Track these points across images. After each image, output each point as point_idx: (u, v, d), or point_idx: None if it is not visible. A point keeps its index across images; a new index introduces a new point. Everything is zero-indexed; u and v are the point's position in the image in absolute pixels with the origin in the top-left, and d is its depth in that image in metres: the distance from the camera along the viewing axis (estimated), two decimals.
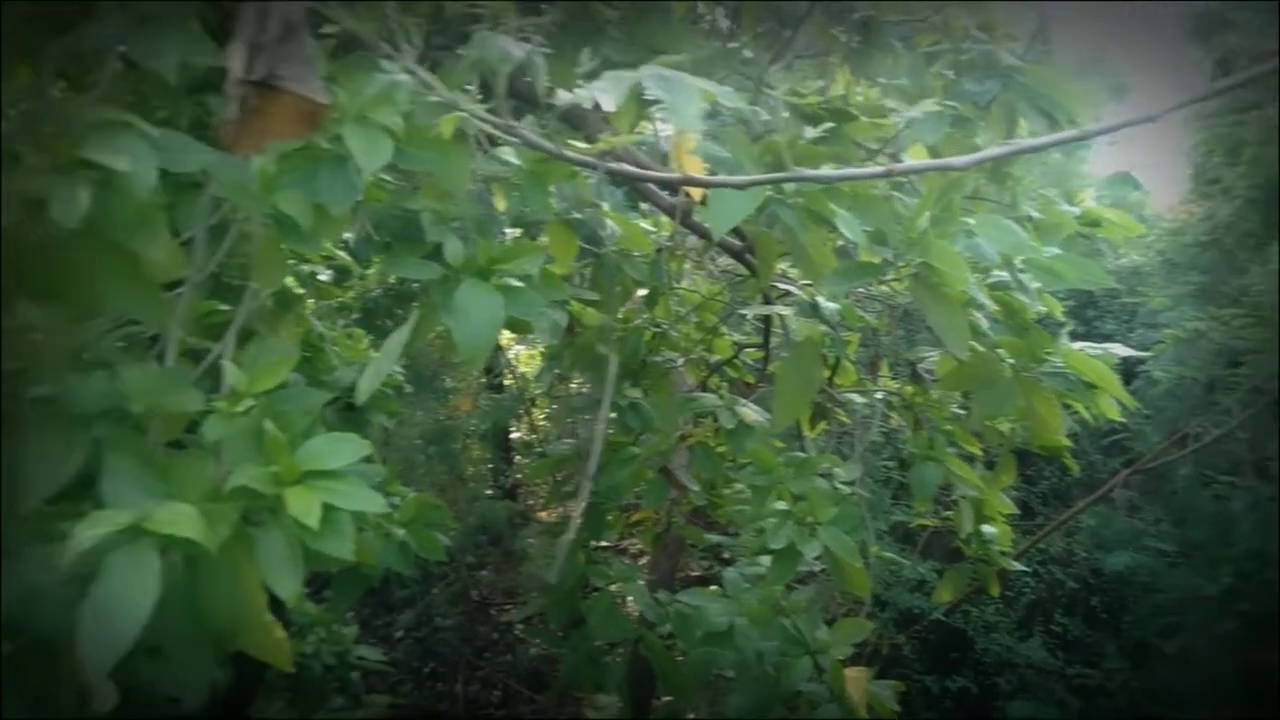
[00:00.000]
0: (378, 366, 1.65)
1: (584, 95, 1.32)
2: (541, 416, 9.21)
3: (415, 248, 1.71)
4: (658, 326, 3.37)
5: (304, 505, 1.25)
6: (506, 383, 9.67)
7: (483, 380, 8.82)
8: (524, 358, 10.04)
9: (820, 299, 2.38)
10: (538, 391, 8.80)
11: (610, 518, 3.73)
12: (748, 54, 2.37)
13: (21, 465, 1.50)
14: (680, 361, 3.47)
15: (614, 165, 1.50)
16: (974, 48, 2.09)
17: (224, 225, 1.59)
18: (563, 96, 1.35)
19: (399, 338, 1.64)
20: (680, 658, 3.25)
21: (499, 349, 7.60)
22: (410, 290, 6.75)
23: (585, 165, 1.42)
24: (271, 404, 1.37)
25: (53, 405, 1.47)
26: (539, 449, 8.48)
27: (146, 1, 1.46)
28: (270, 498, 1.29)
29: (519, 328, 2.10)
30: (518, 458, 9.12)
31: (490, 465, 8.68)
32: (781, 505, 2.26)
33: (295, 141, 1.31)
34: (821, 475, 2.42)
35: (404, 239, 1.74)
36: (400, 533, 2.28)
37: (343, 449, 1.35)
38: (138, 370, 1.48)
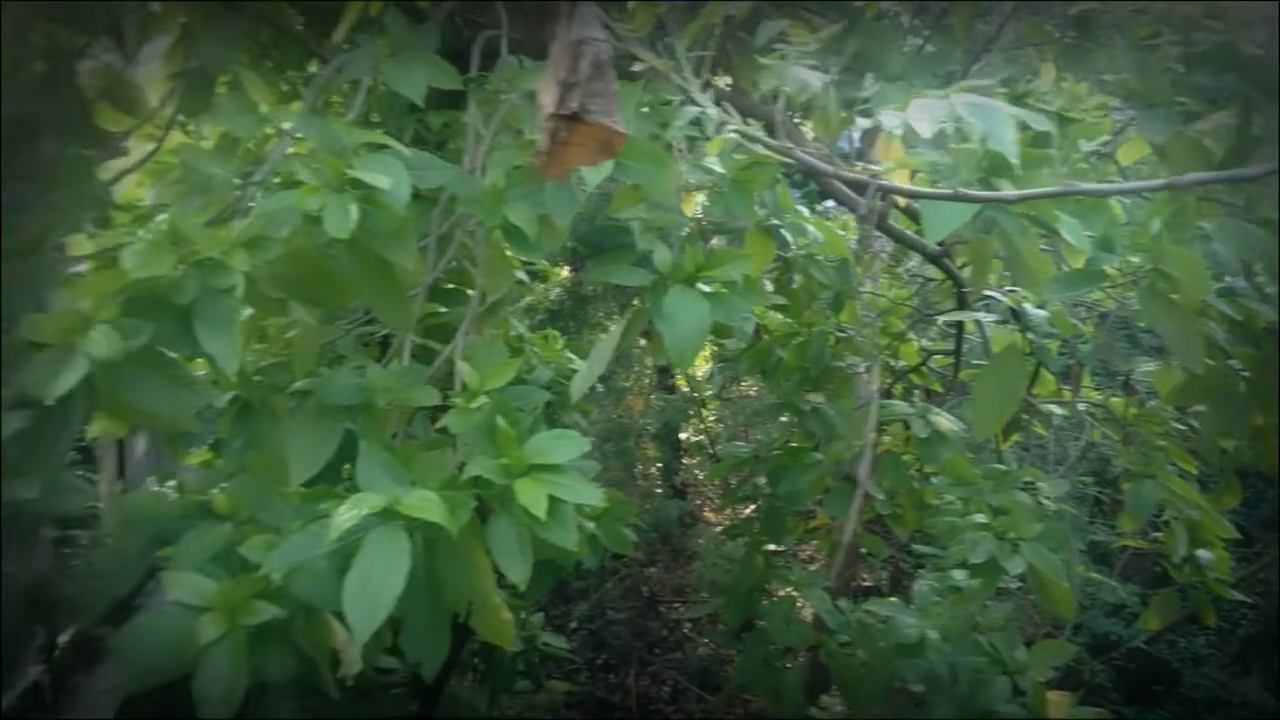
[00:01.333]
0: (590, 368, 1.74)
1: (882, 121, 1.36)
2: (712, 418, 9.28)
3: (624, 255, 1.79)
4: (842, 331, 3.33)
5: (532, 496, 1.34)
6: (678, 384, 9.81)
7: (654, 381, 8.96)
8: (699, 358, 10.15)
9: (1027, 305, 2.29)
10: (709, 393, 8.88)
11: (789, 522, 3.73)
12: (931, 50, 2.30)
13: (284, 451, 1.70)
14: (863, 367, 3.42)
15: (888, 184, 1.53)
16: (1206, 38, 1.96)
17: (447, 235, 1.73)
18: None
19: (610, 341, 1.72)
20: (861, 667, 3.20)
21: None
22: (593, 294, 6.96)
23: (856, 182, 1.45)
24: (501, 401, 1.47)
25: (309, 398, 1.64)
26: (710, 451, 8.55)
27: (397, 33, 1.61)
28: (500, 488, 1.40)
29: (721, 332, 2.15)
30: (688, 459, 9.23)
31: (661, 465, 8.81)
32: (980, 519, 2.19)
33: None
34: (1022, 489, 2.33)
35: (613, 246, 1.83)
36: (590, 526, 2.38)
37: (565, 445, 1.43)
38: (381, 368, 1.64)
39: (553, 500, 1.35)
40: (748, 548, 3.75)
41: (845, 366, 3.46)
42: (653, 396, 8.77)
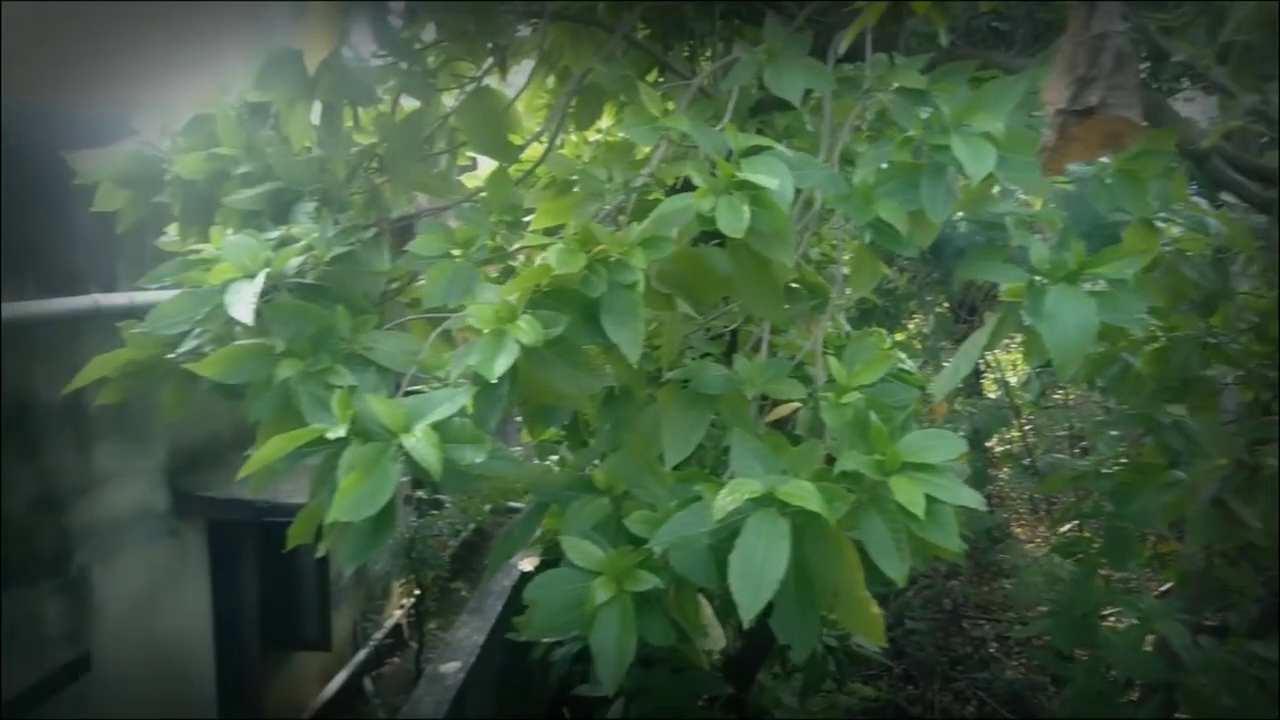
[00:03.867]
0: (956, 368, 1.70)
1: None
2: (1028, 426, 8.66)
3: (994, 251, 1.72)
4: (1212, 337, 2.97)
5: (909, 494, 1.34)
6: (989, 391, 9.26)
7: (962, 384, 8.49)
8: (1005, 361, 9.50)
9: None
10: (1025, 399, 8.30)
11: (1136, 546, 3.40)
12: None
13: (652, 433, 1.83)
14: (1229, 379, 3.03)
15: None
16: None
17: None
18: None
19: (979, 340, 1.67)
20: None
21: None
22: (907, 291, 6.74)
23: None
24: (874, 397, 1.48)
25: (682, 387, 1.76)
26: (1026, 462, 7.99)
27: (774, 38, 1.67)
28: (872, 484, 1.41)
29: (1108, 334, 2.01)
30: (995, 469, 8.69)
31: (970, 474, 8.37)
32: None
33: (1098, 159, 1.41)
34: None
35: (984, 242, 1.77)
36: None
37: (941, 445, 1.41)
38: (748, 360, 1.71)
39: (930, 500, 1.34)
40: (1085, 568, 3.47)
41: (1213, 376, 3.08)
42: (958, 402, 8.35)
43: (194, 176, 2.07)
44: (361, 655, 6.17)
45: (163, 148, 2.19)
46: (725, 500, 1.37)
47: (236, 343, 1.56)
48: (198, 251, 1.78)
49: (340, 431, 1.31)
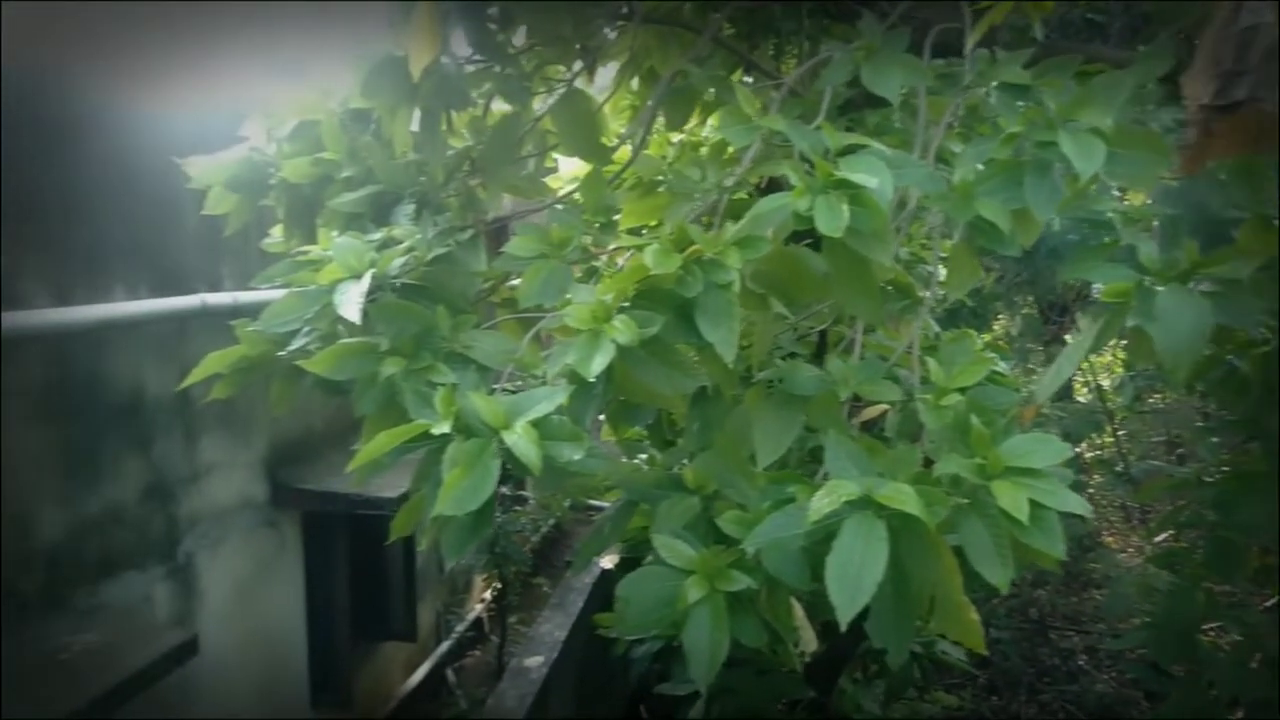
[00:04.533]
0: (1059, 369, 1.65)
1: None
2: (1122, 431, 8.34)
3: (1098, 250, 1.67)
4: None
5: (1013, 499, 1.31)
6: (1079, 395, 8.94)
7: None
8: (1098, 364, 9.16)
9: None
10: (1118, 403, 7.99)
11: (1243, 558, 3.24)
12: None
13: (740, 433, 1.83)
14: None
15: None
16: None
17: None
18: None
19: (1082, 342, 1.62)
20: None
21: None
22: (994, 292, 6.57)
23: None
24: (975, 399, 1.45)
25: (773, 387, 1.75)
26: (1119, 468, 7.70)
27: (871, 36, 1.65)
28: (972, 488, 1.38)
29: (1223, 337, 1.93)
30: (1085, 476, 8.39)
31: None
32: None
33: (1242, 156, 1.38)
34: None
35: (1079, 241, 1.72)
36: None
37: (1045, 450, 1.38)
38: (842, 361, 1.69)
39: (1034, 505, 1.31)
40: (1186, 580, 3.33)
41: None
42: (1044, 405, 8.09)
43: (299, 180, 2.15)
44: (444, 647, 6.31)
45: (269, 153, 2.29)
46: (822, 502, 1.36)
47: (343, 341, 1.61)
48: (305, 253, 1.85)
49: (445, 428, 1.34)
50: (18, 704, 2.17)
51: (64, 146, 3.09)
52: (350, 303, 1.54)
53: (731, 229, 1.49)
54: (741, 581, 1.48)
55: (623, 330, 1.41)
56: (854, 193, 1.40)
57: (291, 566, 4.48)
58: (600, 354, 1.40)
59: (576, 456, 1.34)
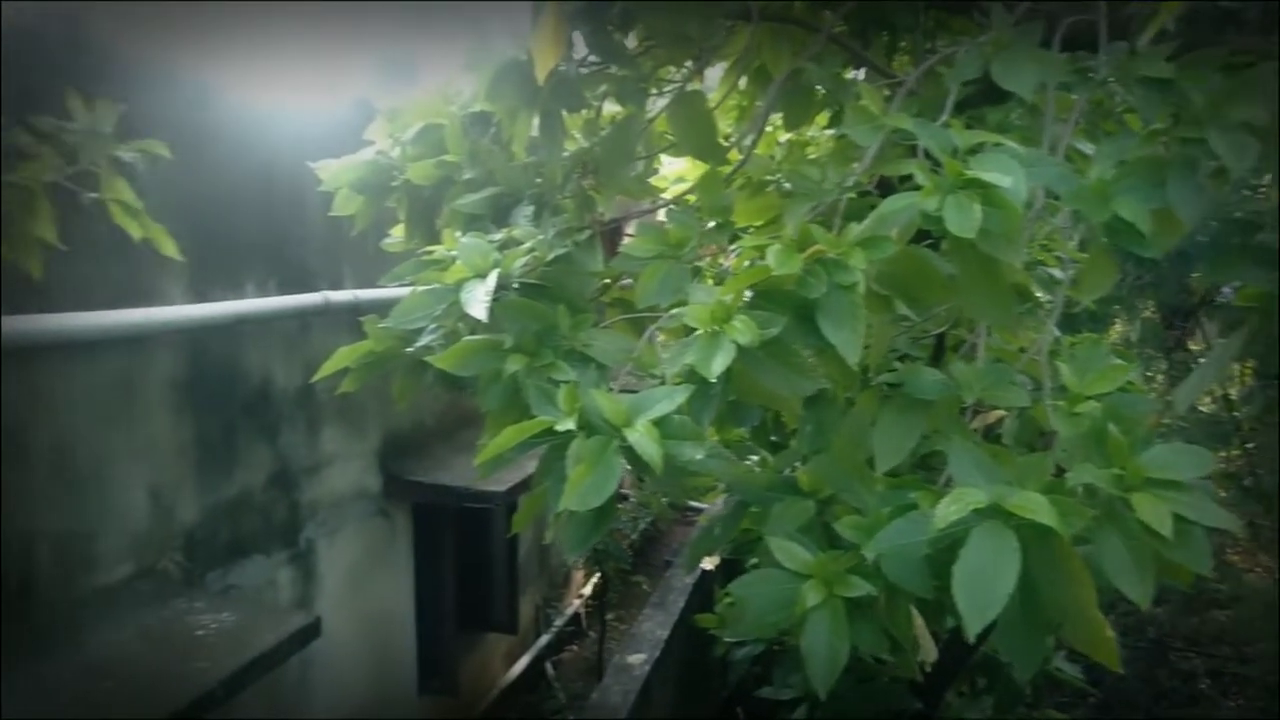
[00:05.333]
0: (1201, 377, 1.57)
1: None
2: (1250, 444, 7.85)
3: (1240, 252, 1.58)
4: None
5: (1154, 512, 1.25)
6: (1203, 405, 8.46)
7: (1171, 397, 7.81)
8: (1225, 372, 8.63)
9: None
10: (1246, 414, 7.53)
11: None
12: None
13: (856, 436, 1.80)
14: None
15: None
16: None
17: None
18: None
19: (1227, 349, 1.54)
20: None
21: None
22: (1113, 295, 6.29)
23: None
24: (1112, 407, 1.40)
25: (893, 391, 1.72)
26: (1246, 481, 7.26)
27: (1002, 30, 1.60)
28: (1107, 499, 1.33)
29: None
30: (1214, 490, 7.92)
31: None
32: None
33: None
34: None
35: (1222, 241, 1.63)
36: None
37: (1187, 461, 1.31)
38: (966, 365, 1.65)
39: (1178, 520, 1.25)
40: None
41: None
42: (1165, 416, 7.68)
43: (422, 182, 2.22)
44: (544, 640, 6.42)
45: (393, 156, 2.37)
46: (948, 510, 1.33)
47: (468, 338, 1.66)
48: (429, 252, 1.91)
49: (569, 425, 1.37)
50: (167, 677, 2.32)
51: (203, 149, 3.27)
52: (477, 301, 1.58)
53: (853, 229, 1.46)
54: (861, 587, 1.46)
55: (743, 331, 1.41)
56: (985, 192, 1.36)
57: (402, 556, 4.63)
58: (721, 354, 1.40)
59: (699, 456, 1.34)
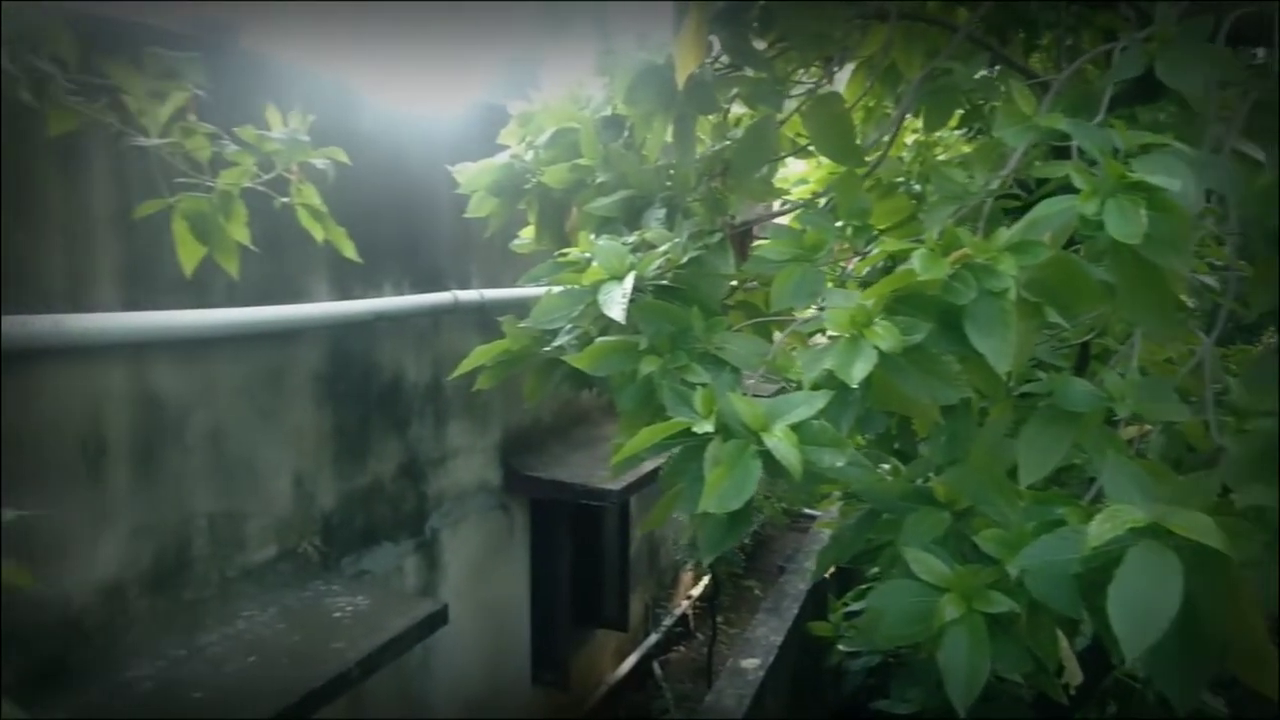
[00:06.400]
0: None
1: None
2: None
3: None
4: None
5: None
6: None
7: None
8: None
9: None
10: None
11: None
12: None
13: (994, 447, 1.75)
14: None
15: None
16: None
17: None
18: None
19: None
20: None
21: None
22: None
23: None
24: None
25: (1040, 401, 1.65)
26: None
27: (1167, 26, 1.52)
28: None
29: None
30: None
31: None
32: None
33: None
34: None
35: None
36: None
37: None
38: (1119, 377, 1.57)
39: None
40: None
41: None
42: None
43: (556, 185, 2.27)
44: (653, 639, 6.45)
45: (527, 159, 2.43)
46: (1103, 528, 1.27)
47: (604, 338, 1.69)
48: (564, 254, 1.95)
49: (707, 427, 1.37)
50: (307, 655, 2.45)
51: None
52: (615, 303, 1.60)
53: (1002, 233, 1.42)
54: (1003, 603, 1.41)
55: (885, 336, 1.38)
56: (1150, 195, 1.29)
57: (519, 549, 4.74)
58: (862, 360, 1.38)
59: (839, 464, 1.33)
